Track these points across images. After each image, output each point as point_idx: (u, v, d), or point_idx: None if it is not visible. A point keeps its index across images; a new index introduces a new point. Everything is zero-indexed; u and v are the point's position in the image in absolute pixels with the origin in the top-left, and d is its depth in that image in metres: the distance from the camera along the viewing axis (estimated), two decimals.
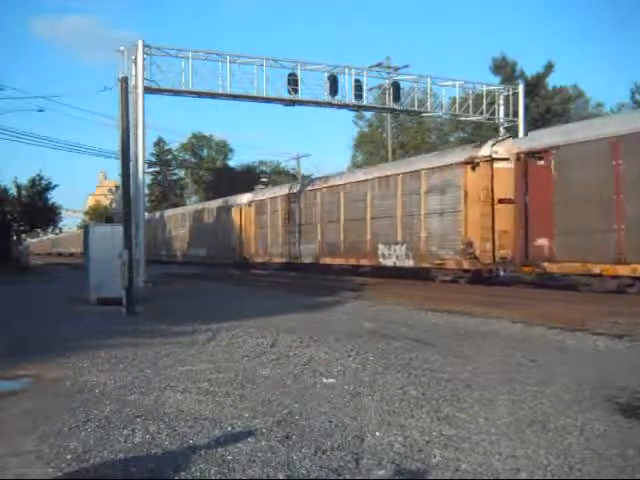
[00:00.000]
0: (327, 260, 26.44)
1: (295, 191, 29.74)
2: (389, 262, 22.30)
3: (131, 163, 17.16)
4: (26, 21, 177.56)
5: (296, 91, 24.51)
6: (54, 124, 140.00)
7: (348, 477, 3.77)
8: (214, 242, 38.59)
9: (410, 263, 21.35)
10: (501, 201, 18.25)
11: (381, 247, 22.70)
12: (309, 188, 28.54)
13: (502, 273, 18.58)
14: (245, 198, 35.57)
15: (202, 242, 40.62)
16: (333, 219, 25.96)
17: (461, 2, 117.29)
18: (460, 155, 19.82)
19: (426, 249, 20.50)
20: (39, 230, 53.05)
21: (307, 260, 27.99)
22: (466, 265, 18.91)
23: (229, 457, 4.07)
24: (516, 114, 28.89)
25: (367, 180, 23.87)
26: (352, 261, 24.73)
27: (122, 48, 21.87)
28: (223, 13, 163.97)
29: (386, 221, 22.46)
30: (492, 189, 18.43)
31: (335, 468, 3.89)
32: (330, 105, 26.35)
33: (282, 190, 31.79)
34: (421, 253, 20.73)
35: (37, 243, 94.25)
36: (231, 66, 23.40)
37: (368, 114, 51.20)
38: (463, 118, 30.84)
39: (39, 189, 42.36)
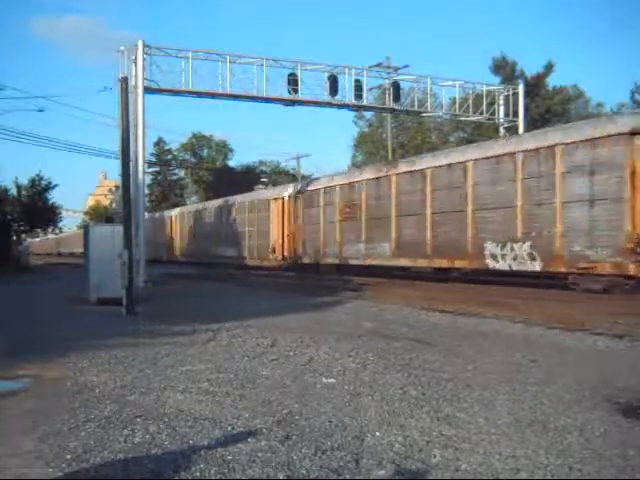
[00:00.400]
0: (404, 261, 21.71)
1: (359, 179, 24.43)
2: (502, 265, 17.70)
3: (131, 163, 17.17)
4: (26, 21, 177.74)
5: (296, 91, 24.57)
6: (54, 124, 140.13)
7: (348, 477, 3.77)
8: (247, 241, 33.79)
9: (535, 266, 16.72)
10: None
11: (489, 246, 18.02)
12: (380, 175, 23.09)
13: None
14: (290, 189, 30.43)
15: (229, 241, 35.83)
16: (415, 212, 20.95)
17: (461, 2, 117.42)
18: (620, 124, 15.05)
19: (563, 248, 15.82)
20: (39, 230, 53.09)
21: (376, 261, 23.13)
22: (632, 270, 14.39)
23: (229, 457, 4.07)
24: (516, 114, 28.94)
25: (466, 162, 18.99)
26: (442, 263, 20.05)
27: (122, 48, 21.93)
28: (223, 13, 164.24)
29: (498, 213, 17.82)
30: None
31: (335, 468, 3.89)
32: (330, 105, 26.41)
33: (341, 178, 26.45)
34: (555, 254, 16.07)
35: (37, 243, 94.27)
36: (231, 66, 23.48)
37: (368, 114, 51.31)
38: (463, 118, 30.90)
39: (39, 189, 42.43)
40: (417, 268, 21.63)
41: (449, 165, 19.83)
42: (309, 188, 28.29)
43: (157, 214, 52.58)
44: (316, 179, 30.68)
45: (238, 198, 36.55)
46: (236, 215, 35.58)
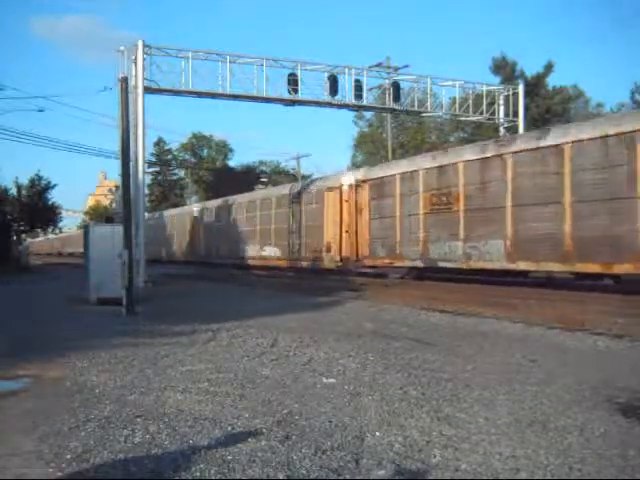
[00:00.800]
0: (525, 265, 16.88)
1: (454, 161, 19.67)
2: None
3: (131, 163, 17.17)
4: (26, 21, 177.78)
5: (296, 91, 24.57)
6: (54, 124, 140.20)
7: (348, 477, 3.77)
8: (291, 239, 29.06)
9: None
10: None
11: None
12: (487, 154, 18.39)
13: None
14: (350, 177, 25.46)
15: (267, 239, 31.30)
16: (544, 200, 16.25)
17: (461, 2, 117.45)
18: None
19: None
20: (39, 230, 53.13)
21: (480, 264, 18.24)
22: None
23: (229, 457, 4.07)
24: (516, 114, 28.95)
25: (634, 132, 14.27)
26: (589, 267, 15.34)
27: (122, 48, 21.93)
28: (223, 13, 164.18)
29: None
30: None
31: (335, 468, 3.89)
32: (330, 105, 26.40)
33: (426, 161, 21.19)
34: None
35: (37, 243, 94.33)
36: (231, 66, 23.47)
37: (368, 114, 51.35)
38: (463, 118, 30.90)
39: (39, 189, 42.48)
40: (547, 273, 17.03)
41: (603, 137, 15.13)
42: (379, 175, 23.33)
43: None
44: (389, 163, 25.80)
45: (277, 190, 32.06)
46: (275, 209, 30.95)
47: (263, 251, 31.46)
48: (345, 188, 25.12)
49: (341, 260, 25.09)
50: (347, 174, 26.53)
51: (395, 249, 21.72)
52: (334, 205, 25.67)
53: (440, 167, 20.06)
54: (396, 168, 22.65)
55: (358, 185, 24.12)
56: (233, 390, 5.93)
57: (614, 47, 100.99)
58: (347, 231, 24.66)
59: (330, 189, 26.28)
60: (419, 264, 20.74)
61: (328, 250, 25.92)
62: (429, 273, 20.83)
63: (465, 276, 19.46)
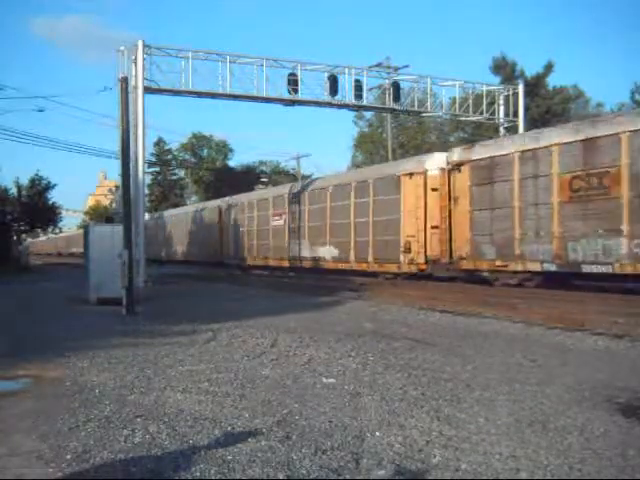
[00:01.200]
0: None
1: (613, 132, 14.85)
2: None
3: (131, 163, 17.15)
4: (26, 21, 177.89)
5: (296, 91, 24.53)
6: (54, 124, 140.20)
7: (348, 477, 3.77)
8: (353, 237, 24.23)
9: None
10: None
11: None
12: None
13: None
14: (439, 158, 21.12)
15: (321, 238, 26.40)
16: None
17: (461, 2, 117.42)
18: None
19: None
20: (39, 230, 53.13)
21: None
22: None
23: (229, 457, 4.07)
24: (516, 114, 28.92)
25: None
26: None
27: (122, 48, 21.89)
28: (223, 13, 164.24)
29: None
30: None
31: (335, 468, 3.89)
32: (330, 105, 26.35)
33: (563, 134, 16.45)
34: None
35: (37, 243, 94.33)
36: (231, 66, 23.43)
37: (368, 114, 51.29)
38: (463, 118, 30.87)
39: (39, 189, 42.48)
40: None
41: None
42: (487, 154, 18.70)
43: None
44: (501, 139, 21.60)
45: (337, 179, 27.57)
46: (331, 202, 26.10)
47: (317, 252, 26.84)
48: (433, 173, 20.79)
49: (426, 262, 20.88)
50: (434, 155, 21.97)
51: (512, 249, 17.24)
52: (416, 194, 21.12)
53: (587, 141, 15.44)
54: (513, 145, 17.98)
55: (452, 169, 19.75)
56: (233, 390, 5.93)
57: (614, 47, 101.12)
58: (435, 226, 20.57)
59: (410, 175, 21.45)
60: (551, 268, 16.25)
61: (407, 250, 21.25)
62: (565, 280, 16.44)
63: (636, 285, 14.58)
